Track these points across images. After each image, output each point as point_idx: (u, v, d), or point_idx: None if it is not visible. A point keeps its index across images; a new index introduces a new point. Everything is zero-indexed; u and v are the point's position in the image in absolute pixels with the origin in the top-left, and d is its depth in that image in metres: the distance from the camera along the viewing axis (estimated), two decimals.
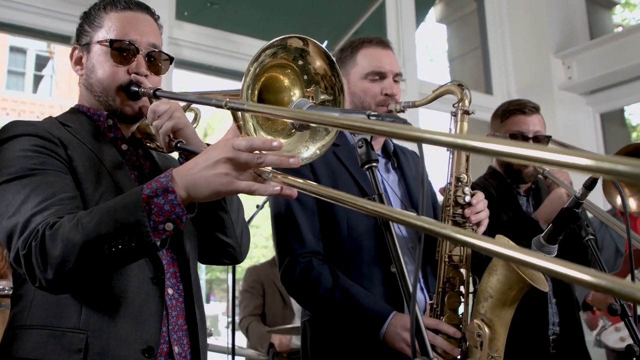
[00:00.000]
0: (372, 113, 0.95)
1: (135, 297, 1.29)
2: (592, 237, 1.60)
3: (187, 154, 1.37)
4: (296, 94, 1.20)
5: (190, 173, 1.12)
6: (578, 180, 2.25)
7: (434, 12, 6.16)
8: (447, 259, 1.75)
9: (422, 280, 1.88)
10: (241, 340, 3.94)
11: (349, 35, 5.14)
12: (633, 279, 1.51)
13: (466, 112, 1.84)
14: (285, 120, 1.17)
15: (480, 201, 1.78)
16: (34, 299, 1.28)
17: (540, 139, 2.49)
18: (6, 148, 1.31)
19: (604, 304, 3.21)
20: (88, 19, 1.50)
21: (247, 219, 1.65)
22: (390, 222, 1.08)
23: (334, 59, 1.18)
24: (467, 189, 1.78)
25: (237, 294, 3.61)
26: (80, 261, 1.12)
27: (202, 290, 1.54)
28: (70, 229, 1.13)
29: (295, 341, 3.77)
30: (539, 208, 2.45)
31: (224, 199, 1.45)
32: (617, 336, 3.25)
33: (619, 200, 2.50)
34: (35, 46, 18.33)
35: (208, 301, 18.68)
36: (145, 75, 1.45)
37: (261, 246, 18.01)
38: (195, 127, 1.48)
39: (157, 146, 1.49)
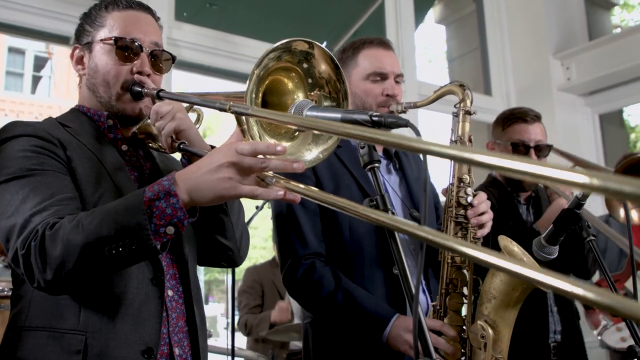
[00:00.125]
0: (375, 114, 0.95)
1: (134, 298, 1.29)
2: (593, 237, 1.60)
3: (190, 155, 1.36)
4: (299, 97, 1.19)
5: (193, 177, 1.11)
6: None
7: (432, 13, 6.16)
8: (449, 260, 1.75)
9: (423, 282, 1.87)
10: (241, 341, 3.94)
11: (348, 36, 5.14)
12: (635, 282, 1.50)
13: (468, 113, 1.84)
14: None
15: (482, 202, 1.77)
16: (32, 300, 1.28)
17: (542, 148, 2.49)
18: (5, 148, 1.30)
19: None
20: (89, 19, 1.50)
21: (246, 220, 1.65)
22: None
23: (339, 65, 1.18)
24: (470, 190, 1.78)
25: (236, 294, 3.61)
26: (80, 262, 1.11)
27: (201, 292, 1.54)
28: (70, 229, 1.12)
29: (295, 342, 3.77)
30: (540, 218, 2.44)
31: (225, 202, 1.45)
32: (618, 336, 3.25)
33: (622, 213, 2.50)
34: (33, 47, 18.31)
35: (207, 302, 18.65)
36: (148, 75, 1.45)
37: (259, 247, 18.00)
38: (197, 128, 1.47)
39: (160, 146, 1.48)
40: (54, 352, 1.22)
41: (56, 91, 18.29)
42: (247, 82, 1.08)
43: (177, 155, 1.47)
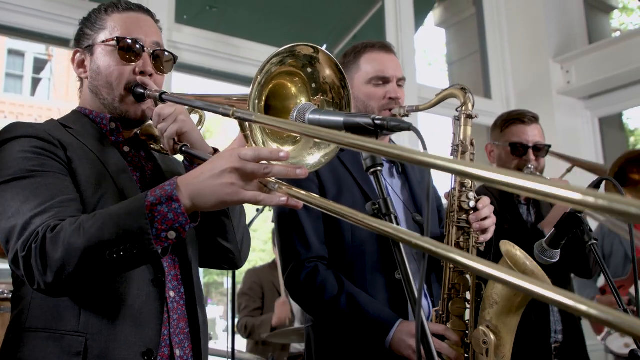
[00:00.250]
0: (377, 117, 0.95)
1: (135, 300, 1.29)
2: (594, 241, 1.60)
3: (192, 158, 1.36)
4: (302, 102, 1.19)
5: (196, 182, 1.11)
6: (581, 184, 2.25)
7: (432, 16, 6.17)
8: (452, 266, 1.74)
9: (425, 287, 1.87)
10: (241, 344, 3.93)
11: (347, 39, 5.14)
12: (637, 288, 1.50)
13: (469, 117, 1.84)
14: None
15: (485, 206, 1.76)
16: (32, 301, 1.28)
17: (540, 148, 2.51)
18: (5, 149, 1.30)
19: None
20: (89, 22, 1.50)
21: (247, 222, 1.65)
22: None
23: (344, 71, 1.17)
24: (472, 194, 1.78)
25: (236, 297, 3.60)
26: (81, 266, 1.11)
27: None
28: (72, 232, 1.12)
29: (295, 345, 3.76)
30: (546, 218, 2.45)
31: None
32: (622, 342, 3.25)
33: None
34: (33, 49, 18.30)
35: (205, 305, 18.59)
36: (150, 75, 1.45)
37: (259, 250, 17.98)
38: (200, 130, 1.47)
39: (162, 148, 1.48)
40: (54, 353, 1.22)
41: (56, 93, 18.28)
42: (251, 86, 1.08)
43: (180, 158, 1.48)
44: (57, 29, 3.50)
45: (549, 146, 2.56)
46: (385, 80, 1.96)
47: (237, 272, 3.12)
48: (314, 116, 1.06)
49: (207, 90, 1.38)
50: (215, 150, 1.40)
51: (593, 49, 4.99)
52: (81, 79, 1.53)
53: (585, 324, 3.04)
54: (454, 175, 1.81)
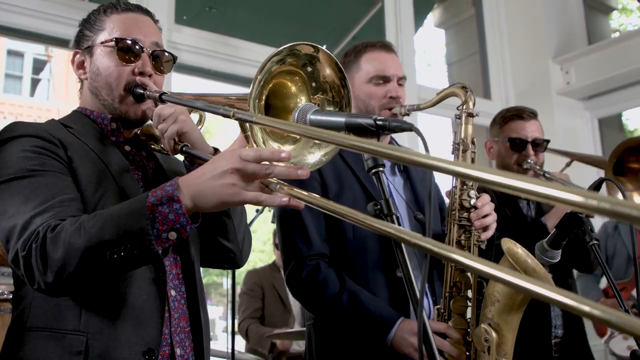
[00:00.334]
0: (379, 118, 0.95)
1: (136, 299, 1.29)
2: (596, 242, 1.60)
3: (192, 158, 1.36)
4: (303, 101, 1.19)
5: (197, 182, 1.11)
6: (582, 183, 2.26)
7: (432, 17, 6.17)
8: (453, 264, 1.74)
9: (427, 285, 1.87)
10: (240, 344, 3.92)
11: (347, 39, 5.14)
12: (639, 290, 1.50)
13: (470, 115, 1.84)
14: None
15: (485, 204, 1.77)
16: (33, 301, 1.28)
17: (539, 143, 2.52)
18: (6, 149, 1.30)
19: None
20: (88, 24, 1.50)
21: None
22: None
23: (344, 70, 1.17)
24: (473, 192, 1.78)
25: (236, 297, 3.60)
26: (81, 266, 1.11)
27: None
28: (72, 232, 1.12)
29: (295, 346, 3.76)
30: (550, 211, 2.45)
31: None
32: (625, 345, 3.25)
33: None
34: (32, 49, 18.29)
35: None
36: (150, 75, 1.45)
37: (258, 250, 17.97)
38: (200, 129, 1.47)
39: (162, 148, 1.49)
40: (55, 352, 1.22)
41: (55, 94, 18.27)
42: (251, 86, 1.08)
43: (181, 158, 1.48)
44: (57, 30, 3.50)
45: (548, 141, 2.57)
46: (385, 79, 1.96)
47: (236, 272, 3.12)
48: (315, 117, 1.06)
49: (206, 90, 1.38)
50: (216, 150, 1.40)
51: (592, 50, 5.00)
52: (81, 80, 1.53)
53: (588, 326, 3.04)
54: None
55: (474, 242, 1.76)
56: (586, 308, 0.48)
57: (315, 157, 1.17)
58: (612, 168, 2.45)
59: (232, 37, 4.10)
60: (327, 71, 1.17)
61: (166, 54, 1.52)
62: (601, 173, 3.07)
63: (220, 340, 10.12)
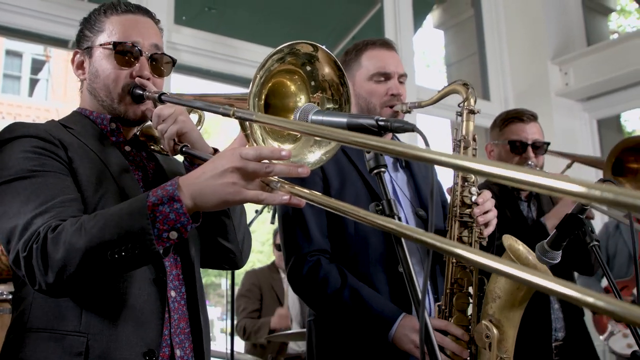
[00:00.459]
0: (381, 118, 0.95)
1: (136, 299, 1.28)
2: (596, 243, 1.60)
3: (192, 158, 1.36)
4: (302, 100, 1.19)
5: (197, 182, 1.11)
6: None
7: (431, 18, 6.18)
8: (454, 260, 1.74)
9: (428, 282, 1.87)
10: (239, 345, 3.92)
11: (346, 40, 5.14)
12: (639, 288, 1.50)
13: (472, 112, 1.84)
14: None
15: (487, 200, 1.77)
16: (34, 302, 1.28)
17: (539, 146, 2.52)
18: (6, 149, 1.30)
19: None
20: (88, 24, 1.50)
21: None
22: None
23: (343, 68, 1.17)
24: (474, 189, 1.78)
25: (234, 298, 3.60)
26: (82, 266, 1.11)
27: None
28: (73, 233, 1.12)
29: (294, 346, 3.76)
30: (551, 211, 2.45)
31: None
32: (625, 342, 3.25)
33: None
34: (31, 50, 18.27)
35: None
36: (148, 79, 1.44)
37: (257, 251, 17.94)
38: (199, 129, 1.47)
39: (162, 149, 1.48)
40: (55, 353, 1.22)
41: (54, 94, 18.25)
42: (251, 84, 1.08)
43: (181, 158, 1.47)
44: (55, 30, 3.50)
45: (548, 143, 2.57)
46: (386, 77, 1.96)
47: (235, 273, 3.12)
48: (316, 117, 1.06)
49: (205, 91, 1.37)
50: (216, 150, 1.40)
51: (591, 51, 5.00)
52: (81, 81, 1.53)
53: (588, 324, 3.04)
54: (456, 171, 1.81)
55: (475, 238, 1.76)
56: (590, 299, 0.48)
57: (315, 155, 1.17)
58: (610, 168, 2.45)
59: (232, 37, 4.10)
60: (326, 70, 1.17)
61: (165, 56, 1.51)
62: (601, 174, 3.08)
63: (218, 340, 10.10)
